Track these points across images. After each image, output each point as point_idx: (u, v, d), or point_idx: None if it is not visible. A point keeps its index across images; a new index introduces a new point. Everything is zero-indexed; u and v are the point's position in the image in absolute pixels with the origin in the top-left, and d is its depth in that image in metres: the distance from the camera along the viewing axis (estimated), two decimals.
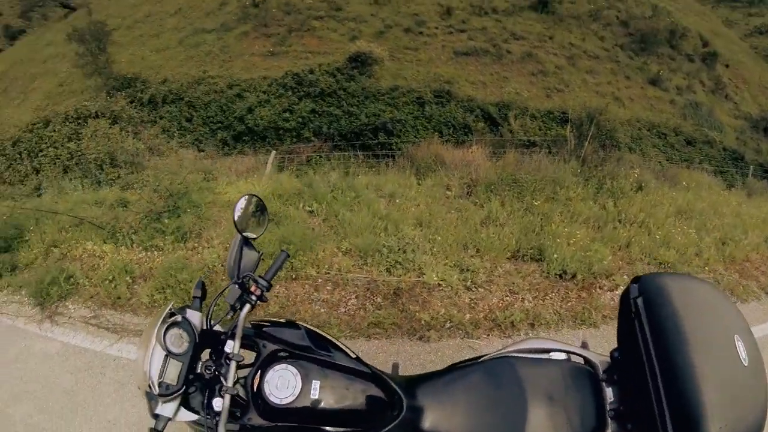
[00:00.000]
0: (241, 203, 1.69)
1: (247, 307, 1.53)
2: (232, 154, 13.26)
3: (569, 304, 4.21)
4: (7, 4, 59.61)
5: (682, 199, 6.14)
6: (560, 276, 4.42)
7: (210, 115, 16.56)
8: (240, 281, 1.57)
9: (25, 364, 3.89)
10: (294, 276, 4.35)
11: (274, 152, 9.91)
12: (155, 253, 4.90)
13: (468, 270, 4.41)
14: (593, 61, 21.54)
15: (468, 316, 4.02)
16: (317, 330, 1.70)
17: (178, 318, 1.46)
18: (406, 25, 21.43)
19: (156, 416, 1.35)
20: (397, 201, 5.71)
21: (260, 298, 1.57)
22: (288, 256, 1.74)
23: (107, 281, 4.46)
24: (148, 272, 4.62)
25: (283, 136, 15.48)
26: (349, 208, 5.34)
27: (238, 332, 1.46)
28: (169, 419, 1.35)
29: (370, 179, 6.38)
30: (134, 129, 13.25)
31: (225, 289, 1.65)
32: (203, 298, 1.65)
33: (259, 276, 1.58)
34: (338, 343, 1.68)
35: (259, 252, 1.70)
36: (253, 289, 1.56)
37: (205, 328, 1.59)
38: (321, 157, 12.32)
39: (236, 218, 1.65)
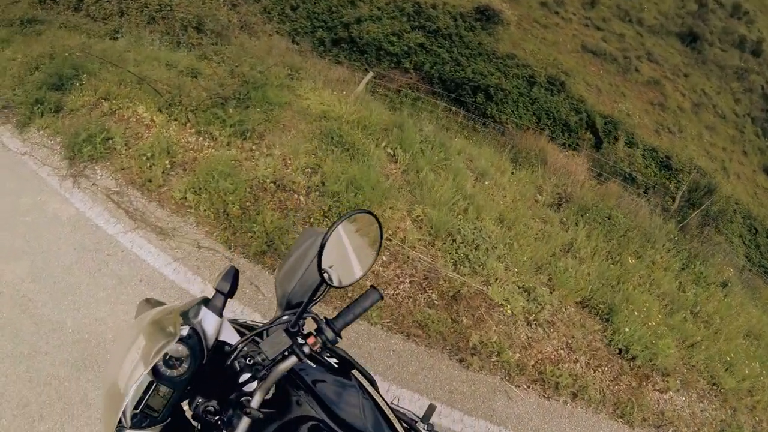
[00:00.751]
0: (359, 217, 1.13)
1: (292, 360, 0.98)
2: (325, 59, 12.50)
3: (618, 388, 3.55)
4: None
5: (757, 319, 5.28)
6: (620, 351, 3.77)
7: (317, 11, 15.77)
8: (293, 322, 1.03)
9: (35, 222, 3.50)
10: None
11: (371, 73, 9.04)
12: (207, 141, 4.32)
13: (535, 300, 3.71)
14: (718, 119, 19.16)
15: (517, 356, 3.35)
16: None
17: (185, 330, 0.94)
18: None
19: None
20: (486, 183, 4.93)
21: (316, 354, 1.06)
22: (381, 298, 1.15)
23: (145, 157, 3.94)
24: (191, 162, 4.06)
25: (383, 58, 14.67)
26: (434, 168, 4.55)
27: (267, 384, 0.96)
28: None
29: (464, 145, 5.55)
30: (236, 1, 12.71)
31: (269, 325, 1.08)
32: (231, 294, 1.04)
33: (326, 318, 1.07)
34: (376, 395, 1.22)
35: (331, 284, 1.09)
36: (311, 341, 1.01)
37: (220, 340, 1.02)
38: (412, 91, 11.48)
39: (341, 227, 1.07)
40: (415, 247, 3.62)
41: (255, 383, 0.98)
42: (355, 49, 14.88)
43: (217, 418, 0.95)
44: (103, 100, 4.72)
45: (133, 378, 0.88)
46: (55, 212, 3.58)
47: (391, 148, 4.65)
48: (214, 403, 0.96)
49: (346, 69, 10.06)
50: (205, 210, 3.64)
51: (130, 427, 0.91)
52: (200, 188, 3.70)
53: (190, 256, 3.40)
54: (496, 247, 3.92)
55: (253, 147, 4.37)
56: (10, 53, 5.80)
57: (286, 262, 1.21)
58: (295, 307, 1.13)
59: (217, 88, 4.88)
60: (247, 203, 3.71)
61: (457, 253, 3.75)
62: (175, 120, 4.49)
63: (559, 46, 17.87)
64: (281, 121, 4.82)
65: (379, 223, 1.11)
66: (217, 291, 1.02)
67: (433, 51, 14.81)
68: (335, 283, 1.09)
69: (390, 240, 3.59)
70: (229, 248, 3.52)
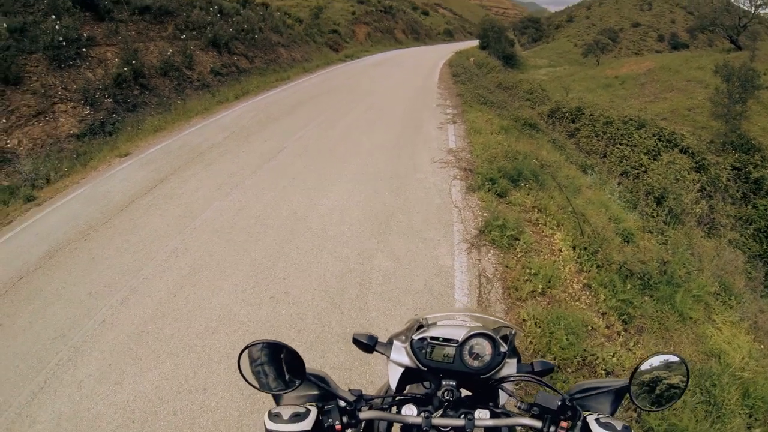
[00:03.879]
0: None
1: None
2: None
3: None
4: (682, 17, 68.02)
5: None
6: None
7: None
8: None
9: (417, 237, 4.56)
10: None
11: None
12: (587, 296, 4.47)
13: None
14: None
15: None
16: None
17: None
18: None
19: None
20: None
21: None
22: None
23: (528, 270, 4.47)
24: (558, 300, 4.31)
25: None
26: None
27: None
28: None
29: None
30: (713, 192, 12.64)
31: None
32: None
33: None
34: None
35: None
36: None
37: None
38: None
39: None
40: None
41: None
42: None
43: None
44: (536, 210, 5.66)
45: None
46: (437, 253, 4.59)
47: None
48: None
49: None
50: (528, 339, 3.80)
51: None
52: (542, 325, 3.87)
53: None
54: None
55: (622, 332, 4.23)
56: (507, 141, 7.71)
57: None
58: None
59: (634, 261, 4.98)
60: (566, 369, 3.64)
61: None
62: (578, 263, 4.86)
63: None
64: (669, 329, 4.47)
65: None
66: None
67: None
68: None
69: None
70: None
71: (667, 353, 1.12)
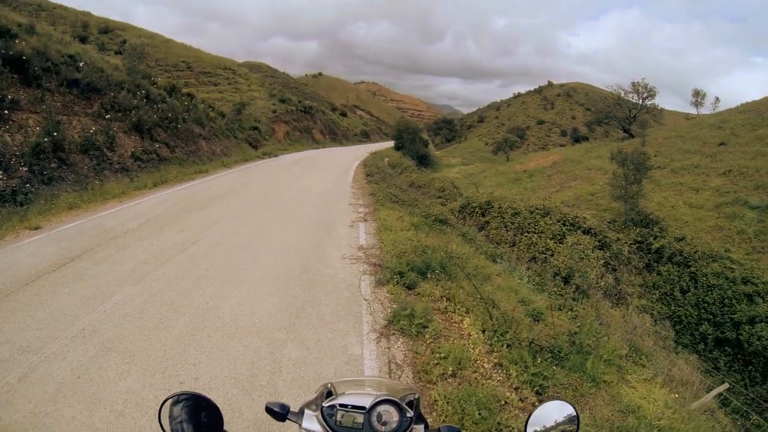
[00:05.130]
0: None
1: None
2: (686, 356, 11.41)
3: None
4: (581, 113, 78.64)
5: None
6: None
7: (708, 300, 14.85)
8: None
9: (330, 324, 4.72)
10: None
11: (726, 384, 7.81)
12: (499, 374, 4.74)
13: None
14: None
15: None
16: None
17: None
18: None
19: None
20: None
21: None
22: None
23: (438, 355, 4.72)
24: (469, 380, 4.51)
25: None
26: None
27: None
28: None
29: None
30: (617, 266, 13.83)
31: None
32: None
33: None
34: None
35: None
36: None
37: None
38: None
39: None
40: None
41: None
42: (739, 356, 12.84)
43: None
44: (444, 299, 6.09)
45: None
46: (346, 343, 4.79)
47: None
48: None
49: (692, 368, 8.85)
50: (440, 418, 3.94)
51: None
52: (454, 403, 4.03)
53: None
54: None
55: (536, 403, 4.45)
56: (417, 237, 8.32)
57: None
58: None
59: (543, 336, 5.36)
60: None
61: None
62: (489, 345, 5.17)
63: None
64: (584, 394, 4.79)
65: None
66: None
67: None
68: None
69: None
70: None
71: (556, 399, 1.30)
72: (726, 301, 14.63)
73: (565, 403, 1.28)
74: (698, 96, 72.14)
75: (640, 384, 5.55)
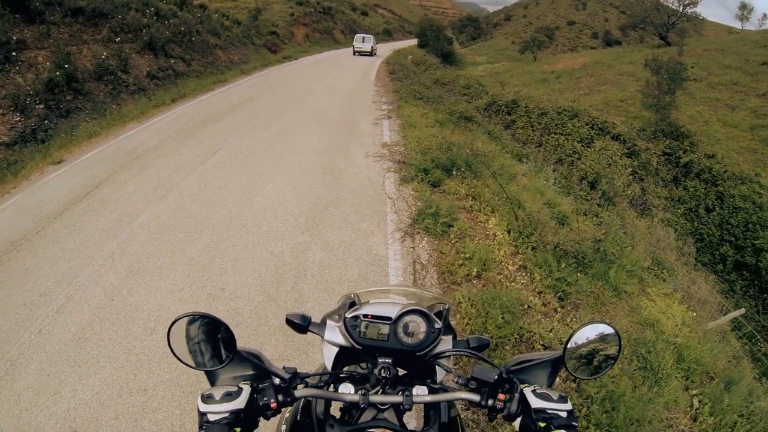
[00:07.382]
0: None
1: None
2: (703, 274, 11.48)
3: None
4: (615, 15, 73.77)
5: None
6: None
7: (732, 222, 14.54)
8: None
9: (351, 218, 4.62)
10: None
11: (743, 310, 7.73)
12: (523, 277, 4.67)
13: None
14: None
15: None
16: None
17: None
18: None
19: None
20: None
21: None
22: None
23: (463, 255, 4.62)
24: (493, 282, 4.46)
25: None
26: None
27: None
28: None
29: None
30: (644, 176, 13.43)
31: None
32: None
33: None
34: None
35: None
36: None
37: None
38: None
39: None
40: None
41: None
42: (756, 282, 12.85)
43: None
44: (470, 197, 5.85)
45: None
46: (370, 243, 4.69)
47: (699, 401, 3.88)
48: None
49: (711, 287, 8.89)
50: (464, 321, 3.91)
51: None
52: (478, 305, 3.98)
53: None
54: None
55: (559, 308, 4.39)
56: (442, 134, 7.92)
57: None
58: None
59: (568, 241, 5.22)
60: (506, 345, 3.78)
61: None
62: (514, 246, 5.04)
63: None
64: (605, 303, 4.71)
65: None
66: None
67: None
68: None
69: None
70: None
71: (598, 322, 1.16)
72: (750, 225, 14.33)
73: (608, 326, 1.17)
74: (745, 9, 66.42)
75: (659, 298, 5.46)
